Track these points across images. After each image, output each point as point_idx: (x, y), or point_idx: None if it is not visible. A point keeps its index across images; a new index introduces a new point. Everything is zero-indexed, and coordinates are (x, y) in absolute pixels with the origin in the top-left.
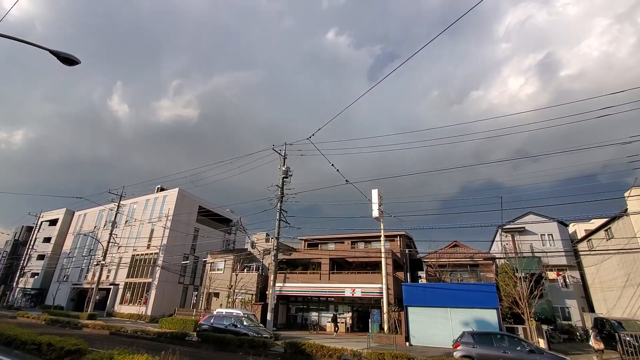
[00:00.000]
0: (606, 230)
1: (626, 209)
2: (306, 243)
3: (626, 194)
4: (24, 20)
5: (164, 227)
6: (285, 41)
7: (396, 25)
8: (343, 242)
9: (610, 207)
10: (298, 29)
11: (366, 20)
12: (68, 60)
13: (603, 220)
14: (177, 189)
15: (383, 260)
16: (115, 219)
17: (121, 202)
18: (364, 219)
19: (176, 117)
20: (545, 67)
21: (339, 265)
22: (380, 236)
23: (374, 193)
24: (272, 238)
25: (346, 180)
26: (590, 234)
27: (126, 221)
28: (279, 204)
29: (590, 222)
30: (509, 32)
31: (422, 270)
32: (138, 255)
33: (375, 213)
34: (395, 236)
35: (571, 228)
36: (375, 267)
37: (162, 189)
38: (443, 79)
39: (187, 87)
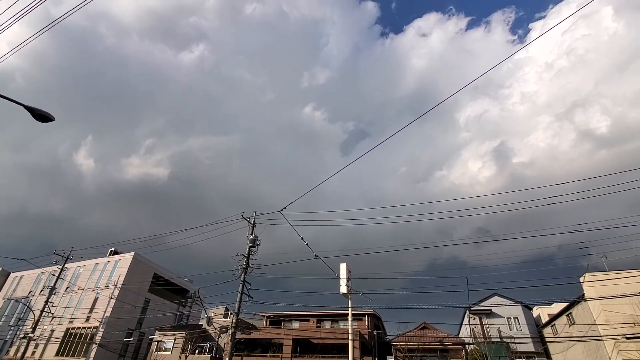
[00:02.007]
0: (567, 315)
1: (583, 294)
2: (268, 320)
3: (581, 279)
4: (5, 71)
5: (110, 297)
6: (265, 111)
7: (369, 107)
8: (308, 320)
9: (569, 291)
10: (278, 102)
11: (342, 100)
12: (42, 116)
13: (564, 305)
14: (132, 253)
15: (350, 342)
16: (55, 284)
17: (66, 265)
18: (331, 296)
19: (144, 175)
20: (499, 153)
21: (303, 347)
22: (347, 315)
23: (343, 268)
24: (231, 313)
25: (315, 255)
26: (553, 318)
27: (67, 287)
28: (242, 275)
29: (552, 306)
30: (468, 123)
31: (391, 354)
32: (74, 328)
33: (343, 289)
34: (363, 315)
35: (535, 312)
36: (341, 350)
37: (115, 253)
38: (410, 158)
39: (160, 146)
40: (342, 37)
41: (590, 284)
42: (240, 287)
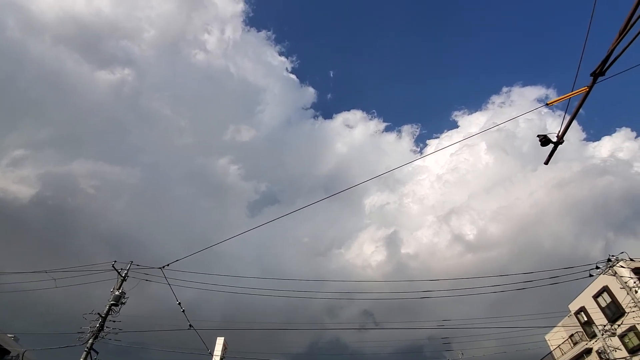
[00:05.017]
0: None
1: None
2: None
3: None
4: None
5: None
6: (177, 153)
7: (286, 176)
8: None
9: None
10: (194, 147)
11: (261, 162)
12: None
13: None
14: None
15: None
16: None
17: None
18: None
19: None
20: (391, 241)
21: None
22: None
23: (219, 343)
24: None
25: (190, 325)
26: None
27: None
28: (90, 341)
29: None
30: (372, 210)
31: None
32: None
33: None
34: None
35: None
36: None
37: None
38: (314, 232)
39: (32, 160)
40: (277, 108)
41: None
42: (84, 356)
